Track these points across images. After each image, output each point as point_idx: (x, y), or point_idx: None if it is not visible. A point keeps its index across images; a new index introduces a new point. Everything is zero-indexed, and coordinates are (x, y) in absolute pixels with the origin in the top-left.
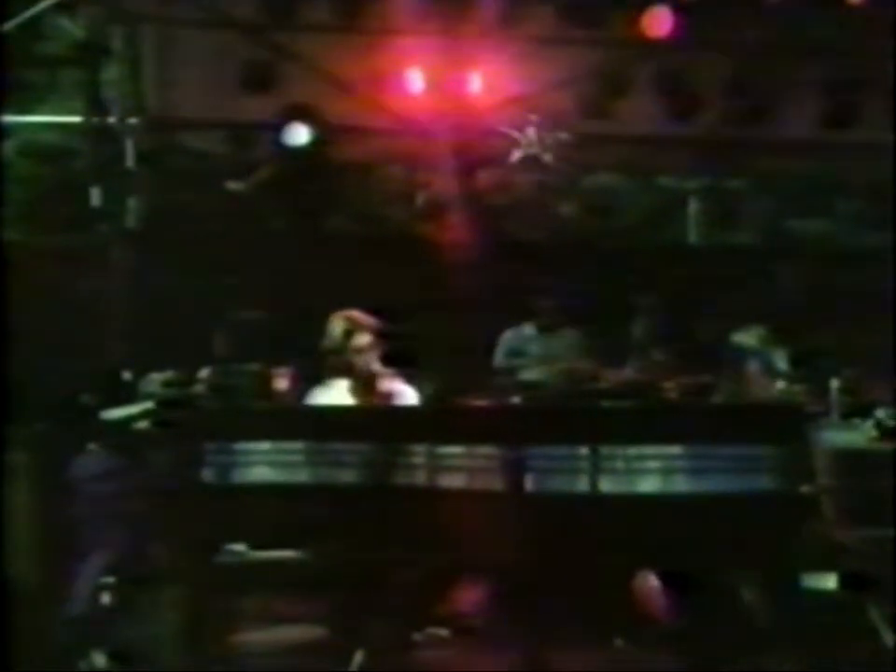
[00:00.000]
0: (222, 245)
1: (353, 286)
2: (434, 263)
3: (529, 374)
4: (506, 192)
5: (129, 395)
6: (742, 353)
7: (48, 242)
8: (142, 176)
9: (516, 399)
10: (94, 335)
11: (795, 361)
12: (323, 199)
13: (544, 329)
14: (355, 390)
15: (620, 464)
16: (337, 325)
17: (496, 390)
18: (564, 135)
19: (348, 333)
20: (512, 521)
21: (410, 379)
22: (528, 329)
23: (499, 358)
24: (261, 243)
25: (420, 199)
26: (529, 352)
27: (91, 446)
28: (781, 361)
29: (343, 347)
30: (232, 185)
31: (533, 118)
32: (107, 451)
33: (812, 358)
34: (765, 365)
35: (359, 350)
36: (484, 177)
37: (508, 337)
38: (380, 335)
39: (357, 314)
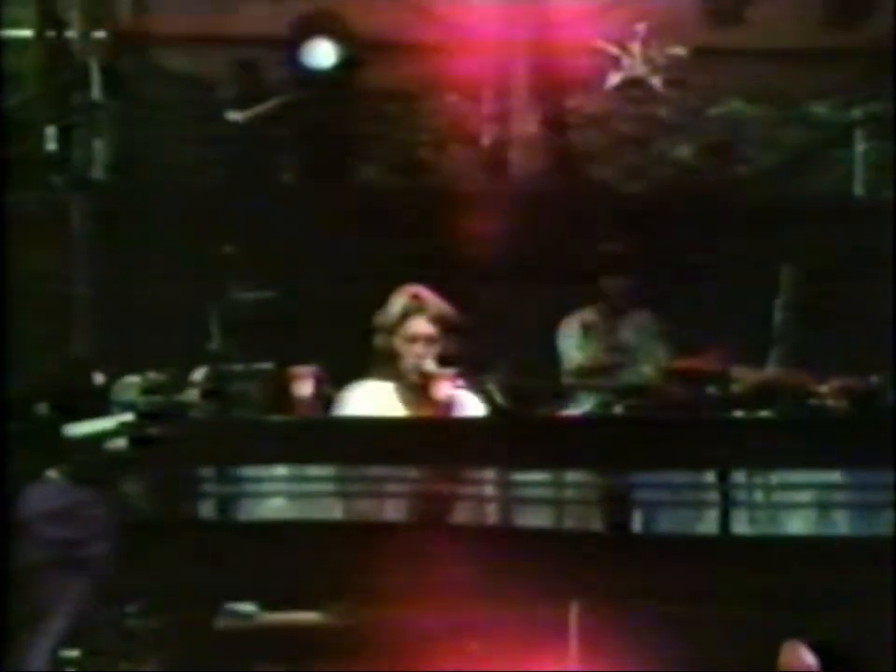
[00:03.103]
0: (218, 203)
1: (393, 256)
2: (503, 226)
3: (626, 374)
4: (601, 129)
5: (99, 404)
6: None
7: None
8: (111, 110)
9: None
10: (53, 325)
11: None
12: (353, 140)
13: (610, 314)
14: (403, 396)
15: (759, 496)
16: (397, 302)
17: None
18: (680, 51)
19: (406, 314)
20: (614, 570)
21: (474, 383)
22: (589, 314)
23: (572, 351)
24: (271, 199)
25: (485, 139)
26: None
27: (50, 472)
28: None
29: (396, 332)
30: (232, 115)
31: (638, 28)
32: (70, 478)
33: None
34: None
35: (413, 339)
36: (572, 109)
37: (575, 322)
38: (447, 326)
39: (425, 292)
